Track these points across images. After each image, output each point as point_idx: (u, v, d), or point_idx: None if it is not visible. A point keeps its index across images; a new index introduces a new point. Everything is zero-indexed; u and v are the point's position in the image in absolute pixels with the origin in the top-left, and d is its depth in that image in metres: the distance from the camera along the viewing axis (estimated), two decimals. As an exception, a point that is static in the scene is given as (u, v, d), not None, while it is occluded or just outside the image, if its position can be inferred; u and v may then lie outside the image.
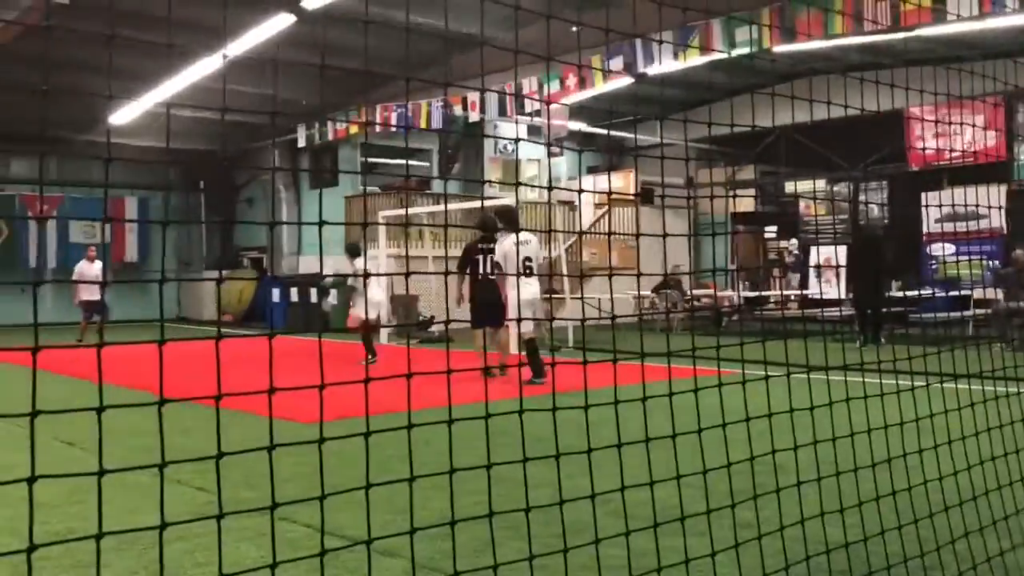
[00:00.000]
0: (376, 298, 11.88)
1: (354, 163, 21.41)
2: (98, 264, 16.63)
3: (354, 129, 18.27)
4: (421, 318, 16.69)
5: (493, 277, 9.36)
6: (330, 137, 19.17)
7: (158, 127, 20.46)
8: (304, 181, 22.97)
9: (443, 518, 3.68)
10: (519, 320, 8.30)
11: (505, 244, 8.97)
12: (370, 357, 11.22)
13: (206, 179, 24.66)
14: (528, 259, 9.07)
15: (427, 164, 22.43)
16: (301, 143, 19.64)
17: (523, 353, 8.81)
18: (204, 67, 15.87)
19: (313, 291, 18.59)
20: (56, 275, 21.60)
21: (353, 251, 12.20)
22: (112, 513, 4.01)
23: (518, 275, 8.34)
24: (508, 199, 14.52)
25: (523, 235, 9.15)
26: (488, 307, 9.19)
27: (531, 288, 8.98)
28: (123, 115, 19.29)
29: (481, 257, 9.51)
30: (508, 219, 9.20)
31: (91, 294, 15.76)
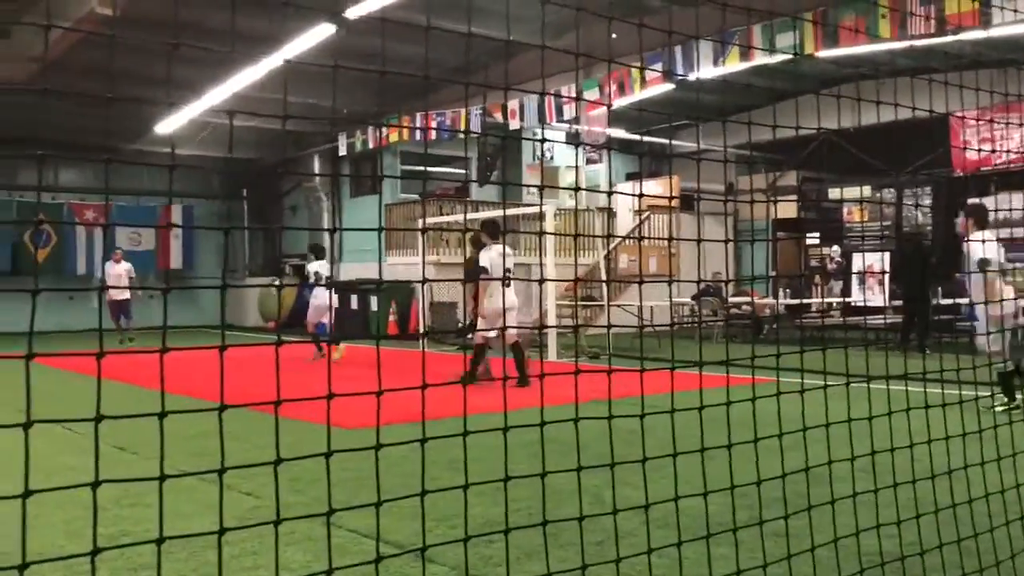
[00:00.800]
0: (324, 302, 13.26)
1: (394, 171, 21.55)
2: (124, 265, 16.80)
3: (394, 137, 18.41)
4: (460, 325, 16.75)
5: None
6: (371, 145, 19.31)
7: (202, 136, 20.79)
8: (345, 188, 23.16)
9: (484, 524, 3.67)
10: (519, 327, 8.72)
11: (491, 253, 9.71)
12: (317, 354, 12.43)
13: (250, 187, 25.02)
14: (508, 269, 9.72)
15: (465, 171, 22.51)
16: (342, 151, 19.82)
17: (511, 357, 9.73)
18: (247, 76, 16.08)
19: (354, 297, 18.78)
20: (104, 282, 22.03)
21: (316, 252, 13.65)
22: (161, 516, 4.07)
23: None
24: (547, 206, 14.54)
25: (502, 247, 9.87)
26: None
27: (511, 296, 9.58)
28: (168, 124, 19.60)
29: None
30: (492, 231, 10.02)
31: (118, 295, 16.20)
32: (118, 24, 12.74)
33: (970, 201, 9.99)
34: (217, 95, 16.92)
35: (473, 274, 10.35)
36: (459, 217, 17.35)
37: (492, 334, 9.47)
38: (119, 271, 16.62)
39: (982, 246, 7.13)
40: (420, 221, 17.13)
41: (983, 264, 6.83)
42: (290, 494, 4.44)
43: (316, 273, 13.33)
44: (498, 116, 16.35)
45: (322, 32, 13.78)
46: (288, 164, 23.99)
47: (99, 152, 20.93)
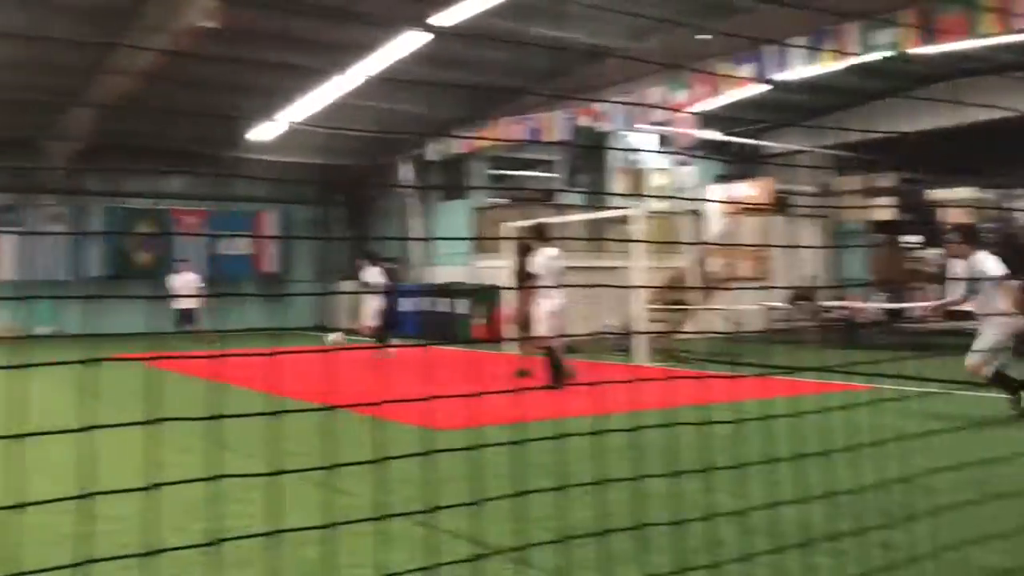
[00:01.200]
0: (375, 306, 14.36)
1: (482, 176, 21.74)
2: (188, 276, 17.91)
3: (482, 142, 18.57)
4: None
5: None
6: (460, 150, 19.53)
7: (298, 143, 21.36)
8: (435, 193, 23.48)
9: (577, 527, 3.67)
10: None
11: (543, 257, 9.86)
12: (386, 352, 13.33)
13: (343, 192, 25.64)
14: (559, 272, 9.89)
15: (554, 176, 22.55)
16: (432, 157, 20.10)
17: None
18: (341, 85, 16.45)
19: (447, 301, 19.09)
20: (204, 286, 22.99)
21: (370, 258, 14.84)
22: (259, 513, 4.19)
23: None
24: (635, 209, 14.45)
25: (554, 251, 9.99)
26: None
27: (560, 299, 9.82)
28: (265, 132, 20.19)
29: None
30: (542, 235, 10.17)
31: (185, 303, 17.43)
32: (216, 35, 13.17)
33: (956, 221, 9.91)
34: (312, 103, 17.36)
35: (525, 279, 10.61)
36: (545, 221, 17.36)
37: (547, 334, 9.64)
38: (182, 283, 17.79)
39: (984, 264, 7.14)
40: (505, 227, 17.22)
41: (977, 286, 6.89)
42: (384, 493, 4.52)
43: (382, 281, 14.63)
44: (587, 120, 16.33)
45: (414, 40, 13.99)
46: (379, 170, 24.48)
47: (200, 160, 21.80)
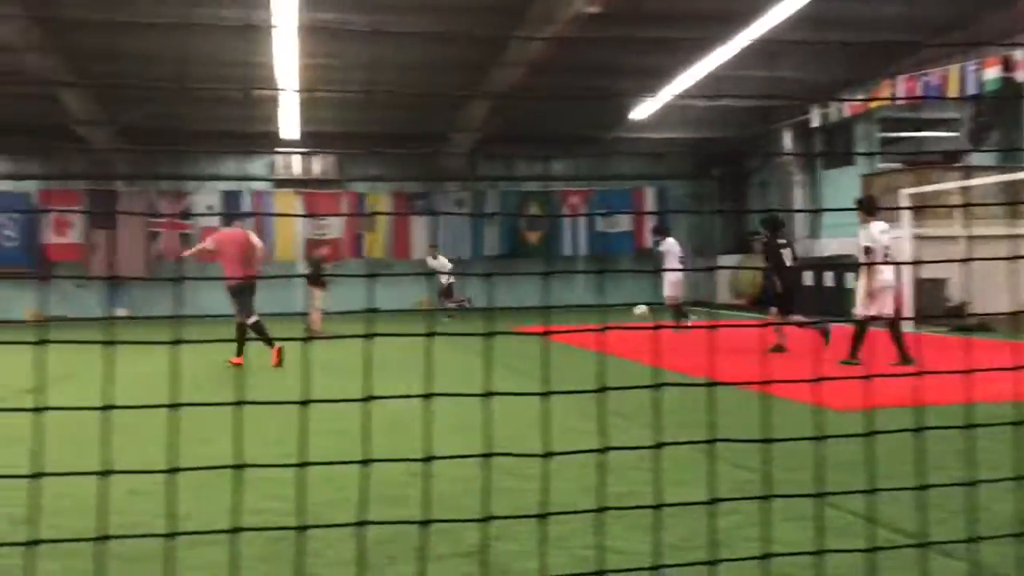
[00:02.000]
0: (672, 278, 14.78)
1: (871, 139, 20.31)
2: (440, 260, 19.79)
3: (873, 104, 17.35)
4: (949, 304, 15.32)
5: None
6: (846, 115, 18.41)
7: (677, 118, 21.50)
8: (819, 162, 22.41)
9: (1011, 522, 3.31)
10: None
11: (872, 231, 9.60)
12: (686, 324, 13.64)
13: (720, 165, 25.38)
14: (887, 247, 9.68)
15: (956, 135, 20.40)
16: (815, 123, 19.17)
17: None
18: (718, 57, 16.24)
19: (833, 275, 18.18)
20: (588, 263, 24.15)
21: (660, 231, 15.62)
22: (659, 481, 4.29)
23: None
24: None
25: (883, 224, 9.77)
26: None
27: (888, 275, 9.69)
28: (645, 110, 20.58)
29: (784, 250, 11.46)
30: (869, 208, 9.89)
31: (444, 281, 19.67)
32: (599, 21, 13.61)
33: None
34: (689, 78, 17.35)
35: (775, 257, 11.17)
36: (948, 185, 15.84)
37: (873, 312, 9.55)
38: (440, 264, 19.73)
39: None
40: (901, 193, 15.93)
41: None
42: (782, 471, 4.42)
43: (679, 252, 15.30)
44: (995, 71, 14.57)
45: (796, 3, 13.44)
46: (756, 140, 23.87)
47: (584, 143, 22.81)
